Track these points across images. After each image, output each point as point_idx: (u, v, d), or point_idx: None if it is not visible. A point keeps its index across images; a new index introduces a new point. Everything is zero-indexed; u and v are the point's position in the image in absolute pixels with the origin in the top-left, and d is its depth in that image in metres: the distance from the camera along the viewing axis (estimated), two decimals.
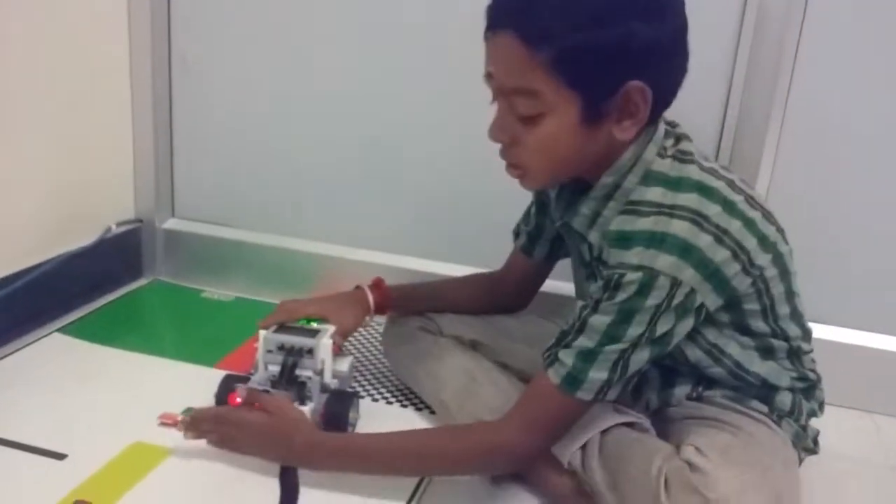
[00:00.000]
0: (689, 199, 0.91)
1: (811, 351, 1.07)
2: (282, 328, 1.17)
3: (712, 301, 0.93)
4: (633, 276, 0.89)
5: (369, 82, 1.51)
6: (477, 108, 1.43)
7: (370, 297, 1.24)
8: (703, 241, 0.89)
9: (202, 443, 1.12)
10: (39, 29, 1.38)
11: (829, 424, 1.11)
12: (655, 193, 0.93)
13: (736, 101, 1.32)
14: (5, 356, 1.34)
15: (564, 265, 1.34)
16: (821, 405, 1.09)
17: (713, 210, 0.91)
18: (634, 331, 0.90)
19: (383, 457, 1.02)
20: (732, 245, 0.91)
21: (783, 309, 1.01)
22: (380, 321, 1.35)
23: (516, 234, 1.27)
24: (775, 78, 1.29)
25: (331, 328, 1.17)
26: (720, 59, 1.31)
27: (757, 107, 1.32)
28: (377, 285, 1.26)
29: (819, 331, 1.09)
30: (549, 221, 1.20)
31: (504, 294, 1.30)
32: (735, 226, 0.92)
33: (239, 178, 1.64)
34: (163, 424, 1.15)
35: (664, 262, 0.88)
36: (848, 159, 1.32)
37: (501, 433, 0.98)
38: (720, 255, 0.90)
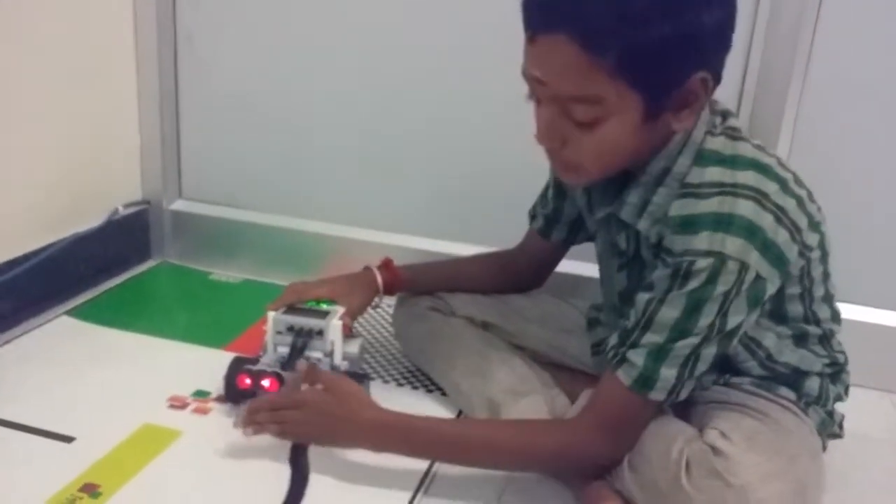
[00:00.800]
0: (749, 177, 0.88)
1: (839, 333, 1.05)
2: (291, 309, 1.16)
3: (774, 284, 0.89)
4: (703, 262, 0.85)
5: (378, 61, 1.49)
6: (489, 85, 1.42)
7: (379, 278, 1.23)
8: (766, 221, 0.86)
9: (212, 426, 1.11)
10: (44, 10, 1.36)
11: (851, 406, 1.09)
12: (714, 173, 0.90)
13: (755, 67, 1.29)
14: (13, 339, 1.33)
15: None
16: (846, 388, 1.07)
17: (772, 188, 0.88)
18: (704, 321, 0.87)
19: (452, 445, 0.99)
20: (790, 225, 0.88)
21: (819, 291, 0.98)
22: (390, 302, 1.34)
23: (532, 216, 1.24)
24: (795, 41, 1.26)
25: (340, 309, 1.16)
26: (738, 27, 1.28)
27: (776, 73, 1.28)
28: (386, 265, 1.24)
29: (842, 310, 1.07)
30: (568, 205, 1.18)
31: (517, 273, 1.28)
32: (791, 204, 0.89)
33: (246, 159, 1.63)
34: (172, 406, 1.15)
35: (732, 245, 0.85)
36: (871, 127, 1.29)
37: (574, 433, 0.95)
38: (781, 235, 0.87)
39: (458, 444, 0.98)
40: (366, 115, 1.53)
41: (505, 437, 0.98)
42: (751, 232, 0.86)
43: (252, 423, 1.01)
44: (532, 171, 1.24)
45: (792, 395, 1.00)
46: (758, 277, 0.87)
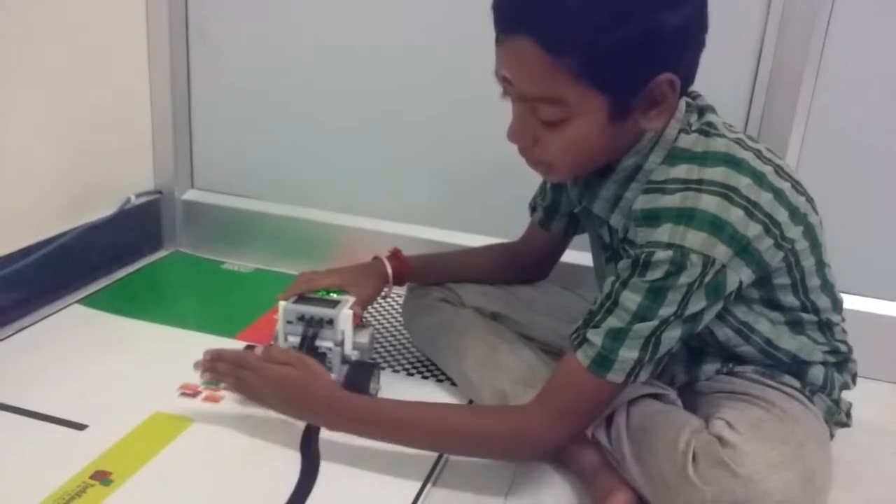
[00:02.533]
0: (717, 173, 0.88)
1: (842, 322, 1.04)
2: (301, 299, 1.16)
3: (746, 276, 0.89)
4: (663, 254, 0.85)
5: (387, 52, 1.49)
6: (494, 77, 1.42)
7: (388, 268, 1.23)
8: (735, 215, 0.86)
9: (223, 414, 1.12)
10: (58, 1, 1.37)
11: (861, 397, 1.09)
12: (680, 171, 0.90)
13: (767, 62, 1.28)
14: (25, 327, 1.34)
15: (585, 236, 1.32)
16: (853, 377, 1.07)
17: (743, 182, 0.88)
18: (666, 310, 0.87)
19: (403, 426, 0.99)
20: (764, 218, 0.88)
21: (813, 281, 0.98)
22: (399, 292, 1.34)
23: (532, 208, 1.24)
24: (808, 40, 1.25)
25: (350, 299, 1.16)
26: (751, 21, 1.27)
27: (789, 67, 1.27)
28: (395, 255, 1.24)
29: (850, 301, 1.06)
30: (565, 197, 1.18)
31: (523, 264, 1.28)
32: (765, 198, 0.89)
33: (258, 149, 1.63)
34: (183, 395, 1.16)
35: (695, 238, 0.85)
36: (885, 122, 1.27)
37: (527, 418, 0.94)
38: (752, 229, 0.87)
39: (407, 426, 0.99)
40: (376, 105, 1.52)
41: (458, 422, 0.99)
42: (715, 226, 0.85)
43: (212, 369, 1.06)
44: None
45: (796, 382, 1.00)
46: (723, 269, 0.87)
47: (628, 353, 0.89)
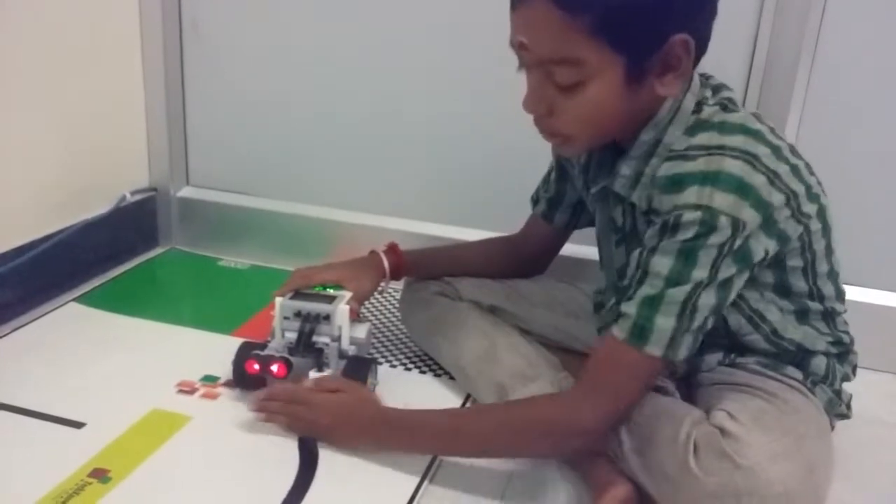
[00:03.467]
0: (737, 140, 0.88)
1: (844, 312, 1.04)
2: (298, 295, 1.16)
3: (771, 248, 0.89)
4: (691, 215, 0.85)
5: (384, 46, 1.48)
6: (492, 71, 1.41)
7: (385, 262, 1.22)
8: (758, 180, 0.86)
9: (221, 411, 1.12)
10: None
11: (861, 388, 1.09)
12: (701, 139, 0.90)
13: (764, 42, 1.28)
14: (22, 326, 1.34)
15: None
16: (854, 369, 1.06)
17: (762, 151, 0.88)
18: (699, 273, 0.85)
19: (458, 435, 0.99)
20: (784, 188, 0.88)
21: (822, 266, 0.98)
22: (396, 287, 1.34)
23: (535, 200, 1.24)
24: (804, 25, 1.25)
25: (347, 294, 1.16)
26: (746, 6, 1.27)
27: (785, 53, 1.27)
28: (392, 250, 1.24)
29: (850, 292, 1.06)
30: (570, 188, 1.18)
31: (522, 258, 1.28)
32: (783, 169, 0.89)
33: (253, 146, 1.63)
34: (181, 392, 1.16)
35: (722, 200, 0.84)
36: (881, 108, 1.27)
37: (571, 402, 0.93)
38: (775, 197, 0.87)
39: (455, 438, 0.99)
40: (372, 100, 1.52)
41: (498, 420, 0.98)
42: (741, 189, 0.85)
43: (265, 409, 1.05)
44: (536, 155, 1.24)
45: (798, 374, 1.00)
46: (752, 235, 0.86)
47: (665, 322, 0.87)
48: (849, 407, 1.06)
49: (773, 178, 0.87)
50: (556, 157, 1.18)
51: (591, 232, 1.19)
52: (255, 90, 1.59)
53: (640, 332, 0.88)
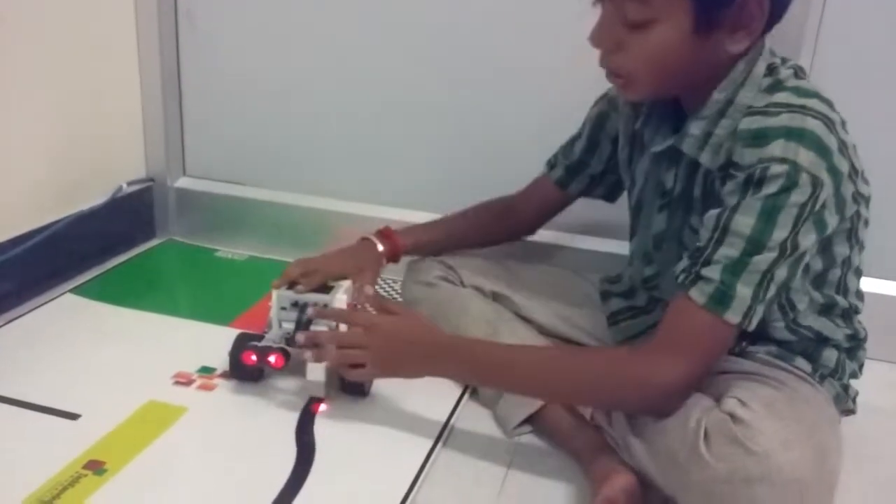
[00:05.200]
0: (815, 103, 0.87)
1: (861, 311, 1.03)
2: (295, 285, 1.15)
3: (834, 223, 0.88)
4: (778, 168, 0.83)
5: (382, 35, 1.47)
6: (493, 59, 1.41)
7: (381, 247, 1.22)
8: (833, 144, 0.86)
9: (217, 402, 1.11)
10: None
11: (867, 379, 1.07)
12: (781, 97, 0.89)
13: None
14: (18, 317, 1.33)
15: (581, 217, 1.31)
16: (861, 366, 1.06)
17: (836, 118, 0.88)
18: (780, 234, 0.84)
19: (522, 369, 0.96)
20: (849, 160, 0.88)
21: (855, 260, 0.98)
22: (395, 276, 1.33)
23: (551, 165, 1.23)
24: (805, 15, 1.24)
25: (345, 283, 1.15)
26: None
27: (786, 48, 1.25)
28: (385, 235, 1.24)
29: (862, 282, 1.05)
30: (596, 160, 1.17)
31: (517, 220, 1.27)
32: (850, 141, 0.89)
33: (250, 136, 1.62)
34: (177, 383, 1.15)
35: (806, 157, 0.83)
36: (884, 105, 1.26)
37: (648, 359, 0.90)
38: (843, 165, 0.87)
39: (526, 373, 0.96)
40: (370, 90, 1.51)
41: (567, 364, 0.95)
42: (822, 149, 0.85)
43: (313, 346, 1.02)
44: (539, 148, 1.23)
45: (807, 366, 0.99)
46: (826, 203, 0.85)
47: (745, 290, 0.86)
48: (854, 402, 1.05)
49: (843, 147, 0.87)
50: (591, 128, 1.17)
51: (601, 225, 1.19)
52: (252, 80, 1.58)
53: (722, 298, 0.86)
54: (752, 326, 0.88)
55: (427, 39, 1.44)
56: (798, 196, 0.84)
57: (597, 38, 0.92)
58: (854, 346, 1.03)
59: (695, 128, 0.94)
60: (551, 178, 1.22)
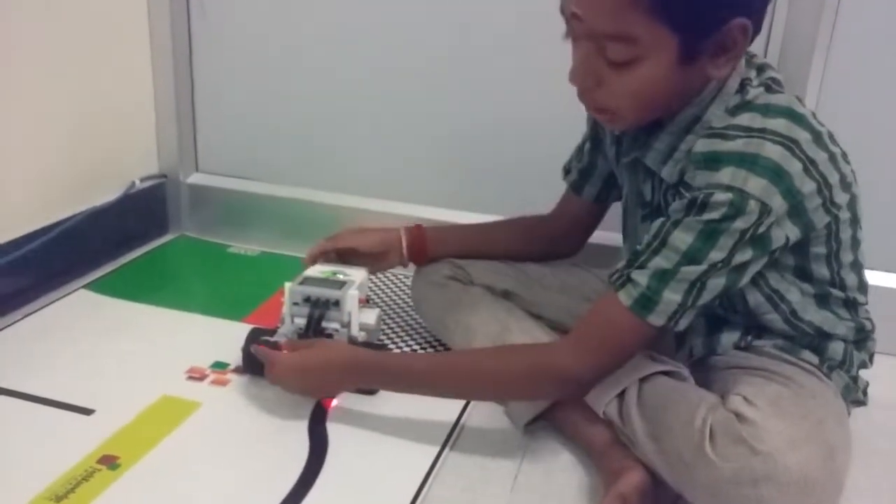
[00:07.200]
0: (779, 125, 0.87)
1: (866, 303, 1.02)
2: (308, 280, 1.15)
3: (793, 235, 0.88)
4: (722, 196, 0.84)
5: (394, 32, 1.47)
6: (501, 56, 1.40)
7: (405, 251, 1.24)
8: (794, 168, 0.85)
9: (231, 397, 1.12)
10: None
11: (878, 373, 1.07)
12: (743, 119, 0.89)
13: (779, 30, 1.26)
14: (32, 313, 1.33)
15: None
16: (871, 357, 1.05)
17: (803, 136, 0.87)
18: (716, 255, 0.85)
19: (434, 375, 1.00)
20: (818, 177, 0.87)
21: (847, 256, 0.97)
22: (406, 272, 1.33)
23: (567, 170, 1.22)
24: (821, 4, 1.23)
25: (357, 280, 1.15)
26: None
27: (801, 37, 1.25)
28: (416, 246, 1.24)
29: (869, 276, 1.04)
30: (601, 159, 1.16)
31: (553, 237, 1.26)
32: (822, 157, 0.88)
33: (262, 131, 1.62)
34: (191, 378, 1.15)
35: (755, 185, 0.83)
36: None
37: (556, 352, 0.94)
38: (807, 186, 0.86)
39: (439, 375, 1.00)
40: (382, 85, 1.51)
41: (480, 363, 0.99)
42: (777, 175, 0.84)
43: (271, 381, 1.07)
44: (549, 143, 1.23)
45: (815, 359, 0.98)
46: (776, 223, 0.85)
47: (672, 296, 0.87)
48: (865, 393, 1.04)
49: (810, 165, 0.86)
50: (590, 126, 1.17)
51: (610, 218, 1.18)
52: (264, 76, 1.58)
53: (646, 303, 0.88)
54: (681, 327, 0.90)
55: (442, 36, 1.44)
56: (741, 223, 0.84)
57: (579, 77, 0.90)
58: (861, 337, 1.03)
59: (660, 142, 0.95)
60: (568, 184, 1.22)
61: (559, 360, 0.93)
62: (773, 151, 0.85)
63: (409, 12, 1.45)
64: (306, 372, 1.04)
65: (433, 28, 1.44)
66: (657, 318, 0.88)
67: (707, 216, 0.85)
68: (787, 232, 0.88)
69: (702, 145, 0.90)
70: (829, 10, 1.23)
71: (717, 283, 0.87)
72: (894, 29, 1.23)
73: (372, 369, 1.02)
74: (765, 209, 0.84)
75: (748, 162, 0.85)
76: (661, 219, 0.89)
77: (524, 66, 1.40)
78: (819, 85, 1.27)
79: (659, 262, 0.87)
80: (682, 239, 0.86)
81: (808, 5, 1.24)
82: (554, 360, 0.93)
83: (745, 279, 0.89)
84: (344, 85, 1.53)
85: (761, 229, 0.85)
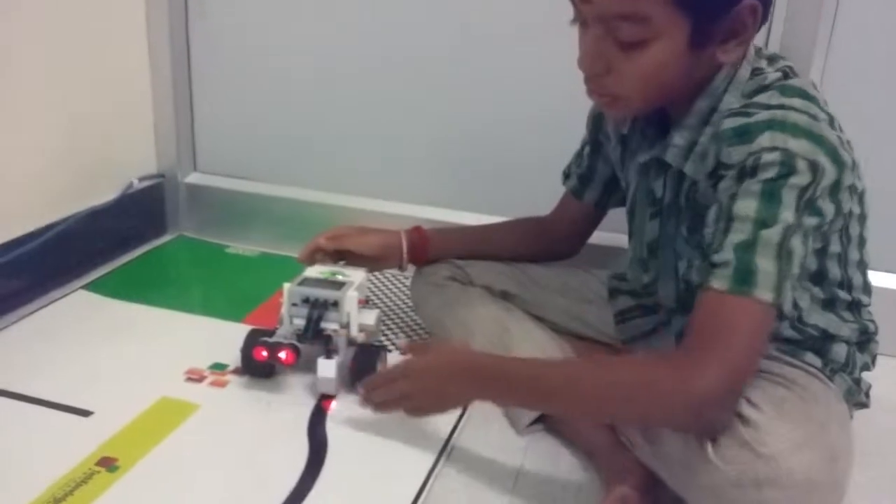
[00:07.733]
0: (796, 103, 0.86)
1: (869, 305, 1.02)
2: (306, 281, 1.15)
3: (830, 214, 0.85)
4: (769, 156, 0.81)
5: (393, 30, 1.46)
6: (500, 54, 1.40)
7: (405, 254, 1.23)
8: (831, 135, 0.83)
9: (229, 398, 1.11)
10: None
11: (880, 375, 1.06)
12: (761, 98, 0.88)
13: (778, 27, 1.26)
14: (30, 314, 1.33)
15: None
16: (873, 359, 1.04)
17: (822, 116, 0.86)
18: (786, 214, 0.80)
19: (568, 394, 0.87)
20: (849, 153, 0.86)
21: (854, 255, 0.96)
22: (406, 273, 1.33)
23: (566, 175, 1.22)
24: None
25: (356, 281, 1.15)
26: None
27: (801, 33, 1.25)
28: (418, 246, 1.23)
29: (872, 277, 1.04)
30: (602, 163, 1.16)
31: (553, 239, 1.26)
32: (844, 137, 0.87)
33: (261, 131, 1.61)
34: (189, 380, 1.15)
35: (797, 145, 0.81)
36: None
37: (680, 369, 0.80)
38: (846, 157, 0.84)
39: (559, 397, 0.89)
40: (382, 85, 1.50)
41: (605, 382, 0.86)
42: (813, 137, 0.82)
43: (370, 402, 0.99)
44: (551, 143, 1.23)
45: (818, 361, 0.98)
46: (829, 187, 0.82)
47: (765, 263, 0.80)
48: (867, 396, 1.04)
49: (841, 140, 0.85)
50: (590, 130, 1.16)
51: (612, 219, 1.18)
52: (263, 75, 1.57)
53: (745, 277, 0.80)
54: (788, 305, 0.83)
55: (439, 35, 1.44)
56: (797, 179, 0.81)
57: (588, 62, 0.88)
58: (864, 339, 1.02)
59: (679, 138, 0.93)
60: (568, 189, 1.21)
61: (692, 383, 0.79)
62: (799, 118, 0.84)
63: (408, 12, 1.44)
64: (433, 379, 0.94)
65: (433, 28, 1.44)
66: (763, 292, 0.80)
67: (762, 176, 0.82)
68: (827, 209, 0.84)
69: (729, 122, 0.88)
70: (829, 9, 1.23)
71: (799, 249, 0.82)
72: (894, 27, 1.23)
73: (494, 378, 0.91)
74: (816, 167, 0.81)
75: (779, 126, 0.83)
76: (716, 205, 0.86)
77: (524, 66, 1.40)
78: (819, 84, 1.26)
79: (734, 236, 0.82)
80: (747, 206, 0.82)
81: (808, 4, 1.23)
82: (686, 384, 0.79)
83: (810, 252, 0.85)
84: (343, 85, 1.53)
85: (818, 191, 0.82)
